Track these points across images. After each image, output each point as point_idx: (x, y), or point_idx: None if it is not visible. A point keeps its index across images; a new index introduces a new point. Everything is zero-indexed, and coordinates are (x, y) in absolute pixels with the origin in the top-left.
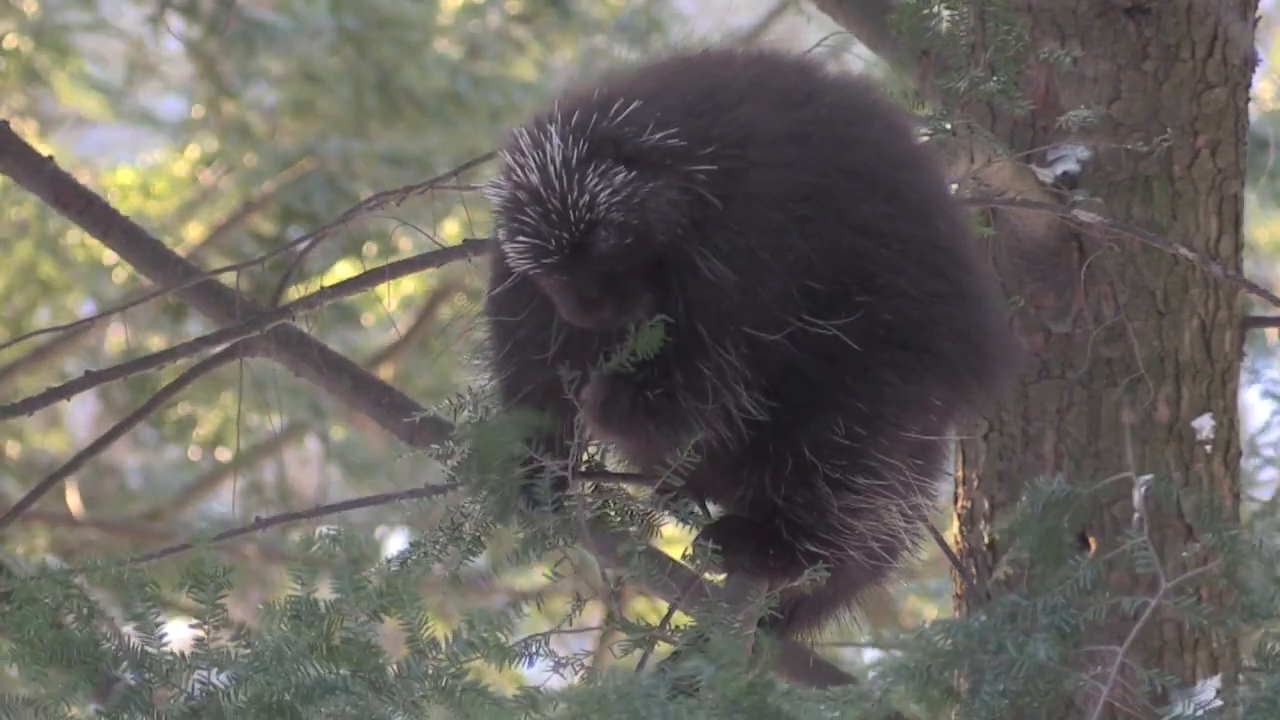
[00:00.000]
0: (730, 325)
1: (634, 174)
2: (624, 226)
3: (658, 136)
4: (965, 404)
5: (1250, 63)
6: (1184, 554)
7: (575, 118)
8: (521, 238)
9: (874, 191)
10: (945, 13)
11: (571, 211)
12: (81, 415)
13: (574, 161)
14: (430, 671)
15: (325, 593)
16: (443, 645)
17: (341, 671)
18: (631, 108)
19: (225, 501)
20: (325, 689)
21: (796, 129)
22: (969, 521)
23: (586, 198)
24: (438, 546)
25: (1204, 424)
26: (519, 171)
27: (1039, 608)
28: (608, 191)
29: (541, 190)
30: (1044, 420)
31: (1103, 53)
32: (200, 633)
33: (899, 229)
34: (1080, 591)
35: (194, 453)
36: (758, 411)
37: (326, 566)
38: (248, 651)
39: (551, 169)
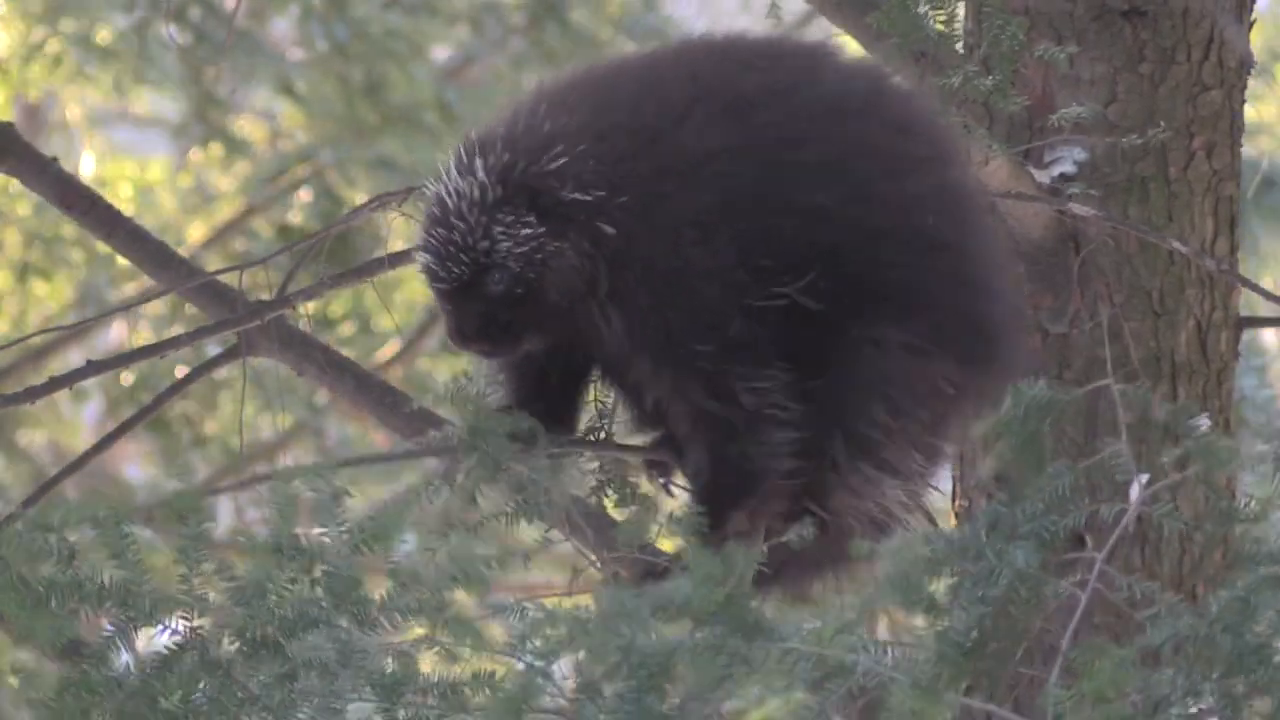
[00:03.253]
0: (677, 345)
1: (543, 229)
2: (518, 277)
3: (576, 193)
4: (973, 389)
5: (1246, 65)
6: (1163, 460)
7: (506, 157)
8: (424, 253)
9: (835, 181)
10: (932, 13)
11: (466, 253)
12: (89, 414)
13: (487, 202)
14: (413, 605)
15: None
16: (425, 578)
17: (323, 604)
18: (564, 161)
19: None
20: (308, 622)
21: (738, 139)
22: (966, 520)
23: (486, 242)
24: (432, 489)
25: (1200, 423)
26: (443, 188)
27: (1019, 515)
28: (509, 243)
29: (451, 218)
30: None
31: (1099, 55)
32: (183, 569)
33: (865, 217)
34: (1060, 498)
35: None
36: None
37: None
38: (230, 585)
39: (464, 203)
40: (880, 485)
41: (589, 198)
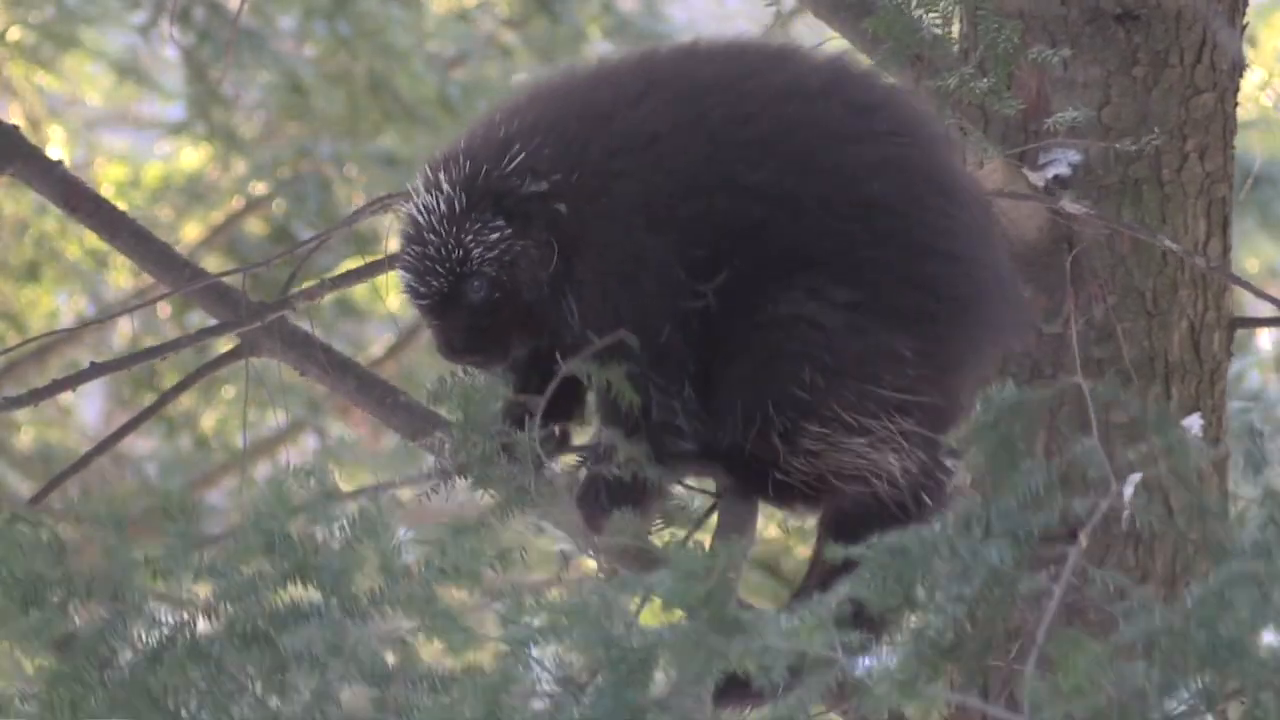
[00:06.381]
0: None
1: (510, 230)
2: (495, 281)
3: (534, 185)
4: (944, 353)
5: (1238, 68)
6: (1130, 456)
7: (468, 167)
8: (404, 272)
9: (774, 156)
10: (927, 18)
11: (443, 264)
12: (91, 410)
13: (455, 212)
14: (403, 597)
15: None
16: (415, 572)
17: (314, 598)
18: (521, 157)
19: (223, 497)
20: (299, 616)
21: (687, 118)
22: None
23: (460, 251)
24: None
25: (1193, 423)
26: (413, 206)
27: (992, 513)
28: (481, 247)
29: (424, 233)
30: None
31: (1093, 58)
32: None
33: (801, 188)
34: (1033, 496)
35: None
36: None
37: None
38: (221, 583)
39: (434, 217)
40: (840, 443)
41: (546, 185)
